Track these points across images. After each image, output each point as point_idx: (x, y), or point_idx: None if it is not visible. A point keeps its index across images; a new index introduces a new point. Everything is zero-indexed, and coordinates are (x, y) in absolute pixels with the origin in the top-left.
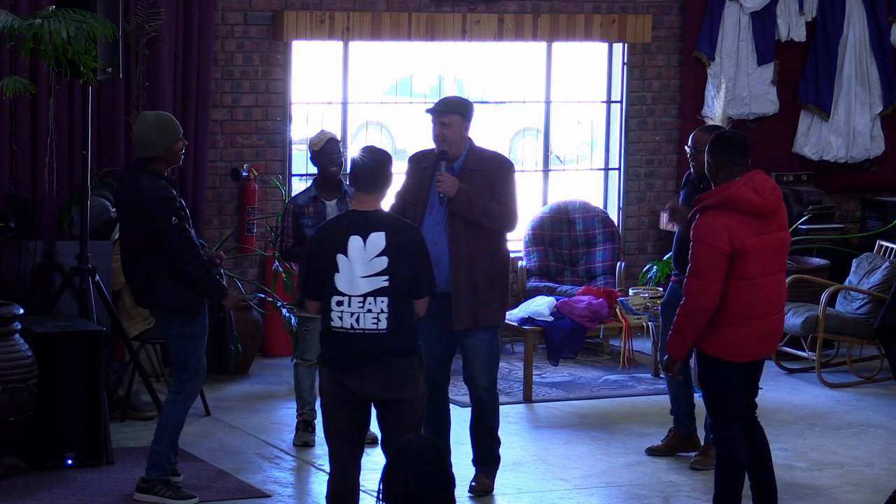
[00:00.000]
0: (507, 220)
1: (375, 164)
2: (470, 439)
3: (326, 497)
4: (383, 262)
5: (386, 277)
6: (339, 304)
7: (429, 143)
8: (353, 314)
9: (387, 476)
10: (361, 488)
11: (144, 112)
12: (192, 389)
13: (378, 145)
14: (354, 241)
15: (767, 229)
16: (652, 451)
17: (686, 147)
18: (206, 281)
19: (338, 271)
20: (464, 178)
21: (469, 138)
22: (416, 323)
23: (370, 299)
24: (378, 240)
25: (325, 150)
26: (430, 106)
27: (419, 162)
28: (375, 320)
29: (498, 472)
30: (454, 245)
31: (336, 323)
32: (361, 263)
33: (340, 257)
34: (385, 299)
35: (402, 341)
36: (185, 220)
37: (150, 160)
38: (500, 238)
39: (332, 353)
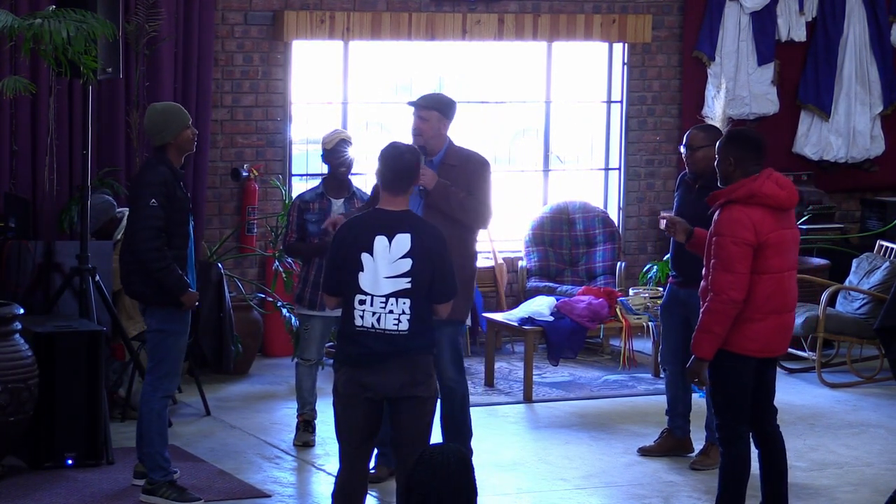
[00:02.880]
0: (482, 215)
1: (404, 165)
2: (442, 436)
3: (333, 494)
4: (407, 264)
5: (409, 279)
6: (362, 302)
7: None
8: (374, 314)
9: (409, 483)
10: (369, 493)
11: (153, 103)
12: (169, 386)
13: (403, 142)
14: (380, 242)
15: (786, 224)
16: (644, 451)
17: (681, 147)
18: (161, 275)
19: (362, 270)
20: (441, 174)
21: (448, 137)
22: (433, 322)
23: (392, 300)
24: (403, 241)
25: (336, 150)
26: (412, 100)
27: None
28: (396, 321)
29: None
30: None
31: (358, 322)
32: (386, 264)
33: (365, 256)
34: (407, 301)
35: (420, 340)
36: (178, 210)
37: (162, 149)
38: (471, 234)
39: (350, 351)
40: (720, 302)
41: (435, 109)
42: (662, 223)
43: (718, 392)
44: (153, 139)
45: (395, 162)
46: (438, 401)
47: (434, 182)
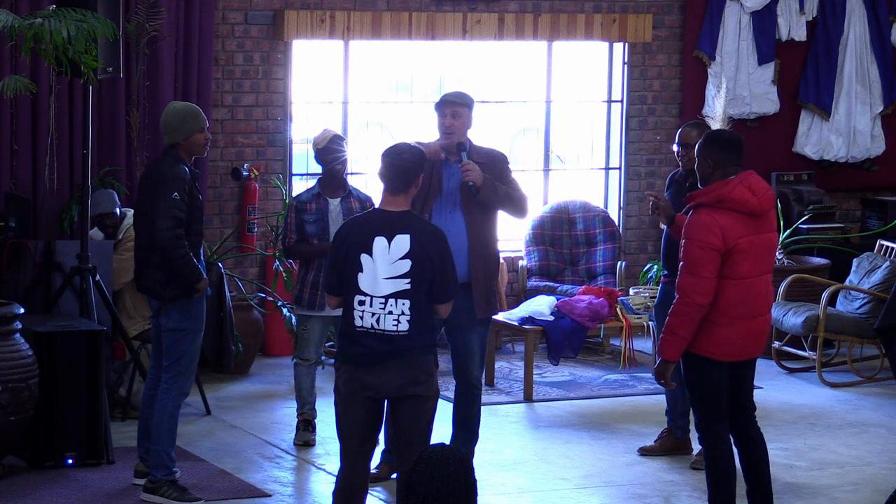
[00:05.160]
0: (526, 205)
1: (405, 165)
2: (453, 433)
3: (334, 493)
4: (406, 265)
5: (408, 280)
6: (361, 303)
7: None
8: (373, 314)
9: (410, 483)
10: (370, 492)
11: (173, 101)
12: (184, 385)
13: (410, 142)
14: (379, 242)
15: (760, 230)
16: (645, 451)
17: (674, 146)
18: (180, 262)
19: (361, 271)
20: None
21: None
22: (433, 322)
23: (391, 301)
24: (403, 242)
25: (329, 149)
26: (440, 99)
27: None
28: (396, 322)
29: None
30: (473, 234)
31: (357, 322)
32: (385, 265)
33: (364, 257)
34: (406, 302)
35: (420, 340)
36: (195, 210)
37: (173, 147)
38: (497, 229)
39: (350, 351)
40: (685, 304)
41: (466, 106)
42: (650, 202)
43: (694, 394)
44: (165, 137)
45: (396, 161)
46: (454, 400)
47: (481, 177)
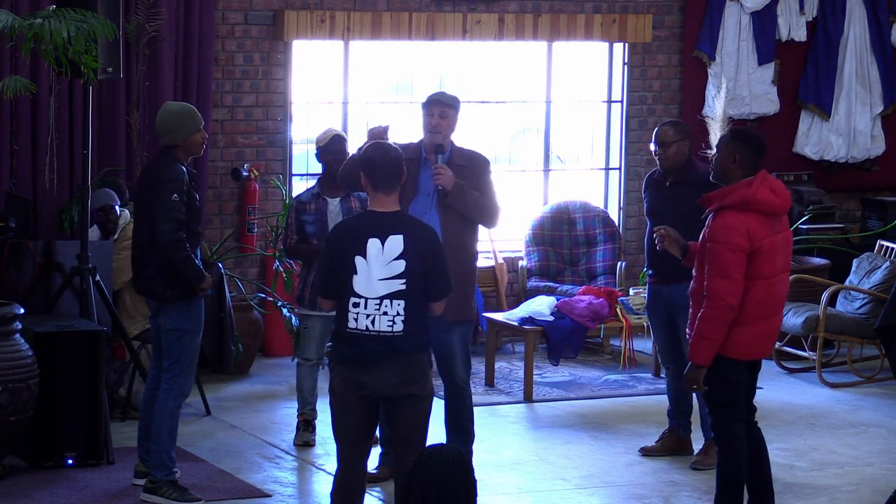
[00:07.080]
0: (496, 215)
1: (393, 162)
2: (448, 435)
3: (332, 494)
4: (401, 266)
5: (403, 280)
6: (356, 305)
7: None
8: (368, 316)
9: (409, 483)
10: (368, 493)
11: (168, 101)
12: (184, 385)
13: (388, 142)
14: (373, 244)
15: (778, 229)
16: (646, 451)
17: (651, 145)
18: (183, 265)
19: (356, 273)
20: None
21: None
22: (428, 321)
23: (386, 302)
24: (396, 243)
25: (329, 148)
26: (428, 98)
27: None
28: (391, 323)
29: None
30: (447, 235)
31: (352, 325)
32: (379, 266)
33: (359, 259)
34: (401, 302)
35: (415, 339)
36: (192, 210)
37: (171, 148)
38: (476, 234)
39: (345, 351)
40: (718, 308)
41: (453, 108)
42: (657, 238)
43: (713, 394)
44: (163, 138)
45: (384, 159)
46: (444, 402)
47: (452, 182)
